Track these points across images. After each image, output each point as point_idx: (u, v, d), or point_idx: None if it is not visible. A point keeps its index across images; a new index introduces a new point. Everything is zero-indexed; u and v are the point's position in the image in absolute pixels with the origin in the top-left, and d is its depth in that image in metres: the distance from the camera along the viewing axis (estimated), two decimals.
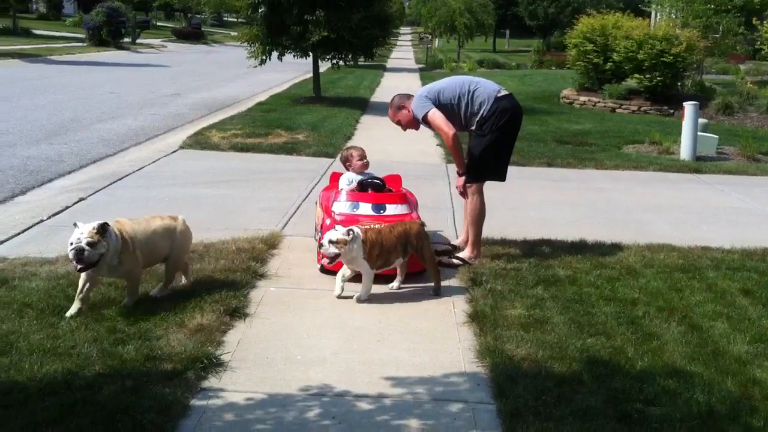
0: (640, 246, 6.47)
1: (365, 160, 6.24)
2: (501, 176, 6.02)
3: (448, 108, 5.81)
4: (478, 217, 5.95)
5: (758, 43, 22.63)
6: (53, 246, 5.88)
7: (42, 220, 6.68)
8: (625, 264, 5.96)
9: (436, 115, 5.76)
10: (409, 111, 5.96)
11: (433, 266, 5.35)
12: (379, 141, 11.59)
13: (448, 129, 5.73)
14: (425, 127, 6.04)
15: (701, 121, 12.10)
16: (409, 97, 6.06)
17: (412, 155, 10.70)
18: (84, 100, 16.41)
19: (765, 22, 21.22)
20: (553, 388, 3.79)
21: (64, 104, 15.43)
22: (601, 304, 5.05)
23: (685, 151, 11.41)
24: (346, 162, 6.32)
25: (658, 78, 17.38)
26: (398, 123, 6.15)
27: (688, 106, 11.34)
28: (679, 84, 18.55)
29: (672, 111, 17.16)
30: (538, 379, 3.90)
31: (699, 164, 11.01)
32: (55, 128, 12.29)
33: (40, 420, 3.30)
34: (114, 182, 8.34)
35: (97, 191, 7.86)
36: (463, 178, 6.00)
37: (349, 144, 6.63)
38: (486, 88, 5.85)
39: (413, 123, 6.02)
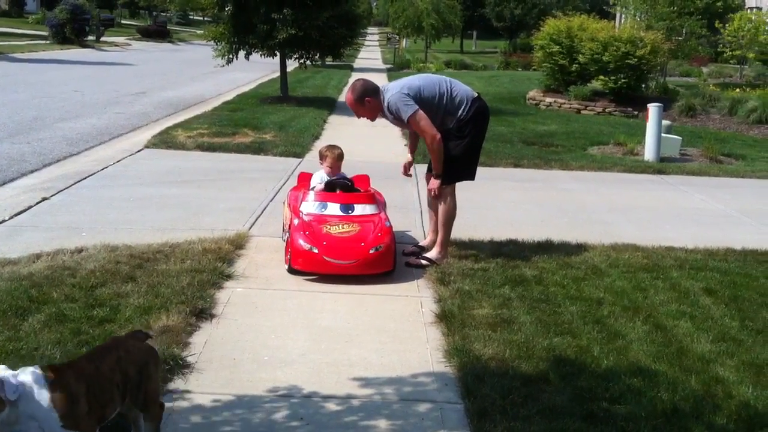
0: (605, 246, 6.53)
1: (334, 168, 6.20)
2: (473, 176, 6.04)
3: (427, 107, 5.68)
4: (451, 218, 5.96)
5: (720, 45, 23.04)
6: (15, 246, 5.79)
7: (4, 220, 6.57)
8: (590, 264, 6.02)
9: (423, 117, 5.62)
10: (375, 105, 5.75)
11: (154, 406, 3.15)
12: (347, 141, 11.52)
13: (435, 131, 5.64)
14: (396, 123, 5.99)
15: (665, 122, 12.26)
16: (375, 91, 5.78)
17: (380, 155, 10.69)
18: (47, 98, 16.16)
19: (727, 25, 21.60)
20: (520, 388, 3.82)
21: (27, 103, 15.19)
22: (567, 303, 5.09)
23: (649, 153, 11.56)
24: (321, 158, 6.30)
25: (623, 80, 17.58)
26: (356, 113, 5.89)
27: (652, 108, 11.48)
28: (643, 86, 18.79)
29: (636, 112, 17.36)
30: (505, 378, 3.92)
31: (663, 165, 11.15)
32: (17, 127, 12.08)
33: None
34: (78, 182, 8.22)
35: (61, 191, 7.74)
36: (438, 180, 5.87)
37: (330, 143, 6.58)
38: (462, 88, 5.85)
39: (371, 115, 5.88)
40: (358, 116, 5.97)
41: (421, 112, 5.63)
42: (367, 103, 5.78)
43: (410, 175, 6.42)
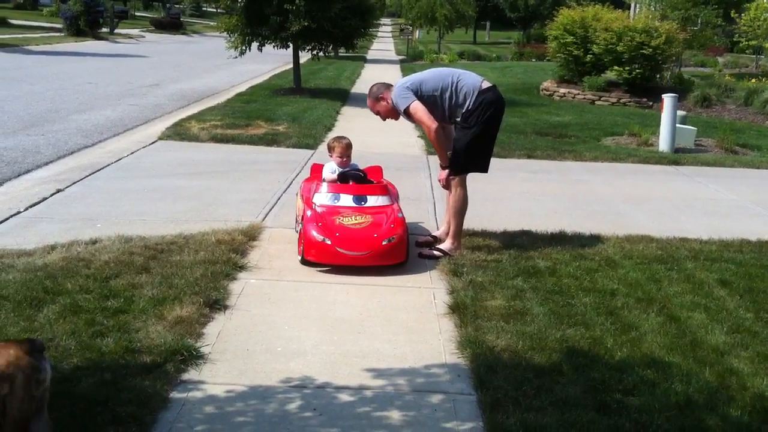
0: (619, 237, 6.51)
1: (344, 159, 6.21)
2: (484, 168, 6.02)
3: (431, 100, 5.77)
4: (461, 209, 5.96)
5: (736, 35, 22.85)
6: (30, 238, 5.83)
7: (19, 212, 6.61)
8: (604, 255, 6.00)
9: (418, 108, 5.72)
10: (388, 102, 5.93)
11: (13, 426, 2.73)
12: (359, 132, 11.57)
13: (431, 122, 5.70)
14: (405, 119, 6.02)
15: (680, 113, 12.18)
16: (388, 87, 6.00)
17: (392, 147, 10.69)
18: (61, 90, 16.23)
19: (743, 14, 21.42)
20: (533, 379, 3.81)
21: (42, 94, 15.26)
22: (581, 295, 5.07)
23: (663, 143, 11.49)
24: (330, 151, 6.30)
25: (638, 70, 17.48)
26: (377, 113, 6.11)
27: (667, 98, 11.41)
28: (658, 76, 18.66)
29: (651, 103, 17.26)
30: (518, 369, 3.92)
31: (677, 156, 11.08)
32: (32, 119, 12.15)
33: None
34: (92, 173, 8.26)
35: (75, 182, 7.78)
36: (446, 171, 5.98)
37: (338, 134, 6.56)
38: (470, 80, 5.83)
39: (393, 113, 5.99)
40: (383, 118, 6.15)
41: (417, 103, 5.72)
42: (383, 100, 5.96)
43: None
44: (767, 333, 4.58)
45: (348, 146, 6.21)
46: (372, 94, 6.07)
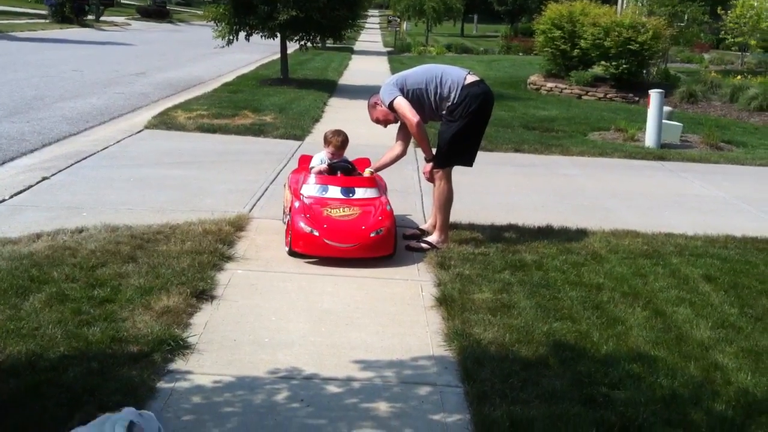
0: (606, 232, 6.54)
1: (339, 152, 6.20)
2: (469, 162, 6.05)
3: (416, 93, 5.82)
4: (446, 202, 5.97)
5: (722, 32, 22.97)
6: (15, 226, 5.79)
7: (4, 200, 6.56)
8: (590, 249, 6.03)
9: (401, 103, 5.79)
10: (381, 105, 5.97)
11: None
12: (347, 124, 11.48)
13: (413, 116, 5.75)
14: (393, 114, 6.02)
15: (666, 109, 12.22)
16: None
17: (380, 139, 10.62)
18: (46, 77, 16.09)
19: (729, 11, 21.53)
20: (519, 372, 3.83)
21: (26, 82, 15.13)
22: (567, 288, 5.10)
23: (649, 139, 11.53)
24: (325, 143, 6.28)
25: (624, 65, 17.51)
26: (377, 121, 6.17)
27: (654, 94, 11.44)
28: (644, 72, 18.72)
29: (637, 98, 17.31)
30: (504, 362, 3.93)
31: (663, 152, 11.14)
32: (16, 106, 12.04)
33: (3, 402, 3.25)
34: (77, 162, 8.20)
35: (61, 171, 7.72)
36: (431, 164, 6.01)
37: (337, 128, 6.51)
38: (454, 74, 5.87)
39: (389, 116, 6.02)
40: (384, 125, 6.21)
41: (400, 98, 5.79)
42: (377, 105, 6.05)
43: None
44: (752, 328, 4.63)
45: (342, 144, 6.17)
46: (369, 106, 6.16)
